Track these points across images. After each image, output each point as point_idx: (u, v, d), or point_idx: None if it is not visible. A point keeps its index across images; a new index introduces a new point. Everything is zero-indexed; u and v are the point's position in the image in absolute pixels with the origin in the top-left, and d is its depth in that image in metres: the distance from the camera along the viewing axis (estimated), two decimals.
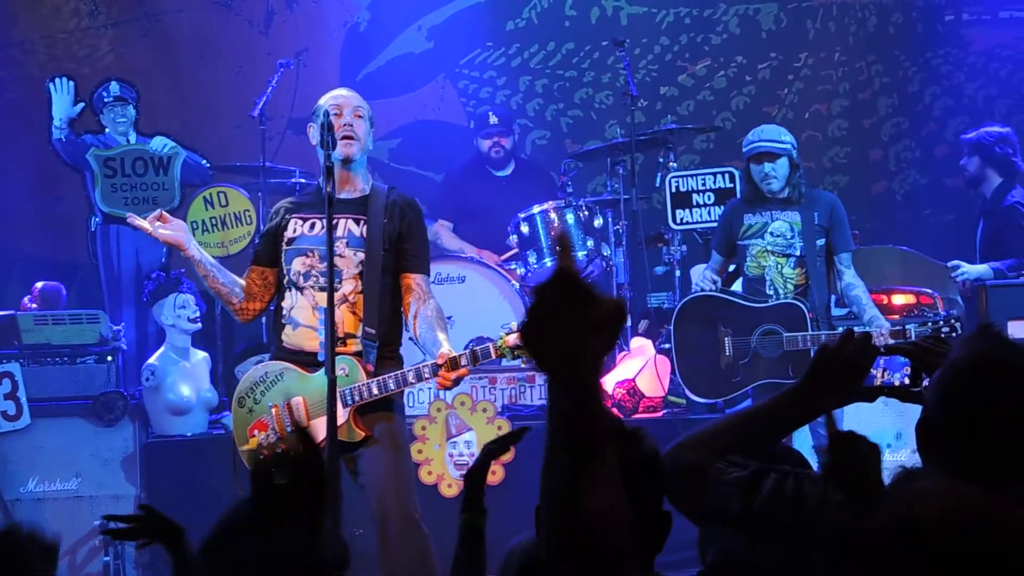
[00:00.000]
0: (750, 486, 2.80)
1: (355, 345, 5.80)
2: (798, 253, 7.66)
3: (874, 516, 2.12)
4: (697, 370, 7.94)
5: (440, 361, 5.58)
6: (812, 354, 7.36)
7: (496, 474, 8.06)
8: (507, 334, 5.53)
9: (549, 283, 2.03)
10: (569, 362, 2.03)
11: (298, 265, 5.92)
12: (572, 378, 2.04)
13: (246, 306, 6.05)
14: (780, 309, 7.67)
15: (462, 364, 5.59)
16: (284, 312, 5.95)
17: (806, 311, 7.56)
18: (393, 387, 5.71)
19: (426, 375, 5.66)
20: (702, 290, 7.99)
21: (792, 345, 7.52)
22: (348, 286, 5.85)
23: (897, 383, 2.99)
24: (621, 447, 2.51)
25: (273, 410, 5.89)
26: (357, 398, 5.70)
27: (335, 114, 5.88)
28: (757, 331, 7.71)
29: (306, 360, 5.86)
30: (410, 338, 6.03)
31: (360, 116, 5.96)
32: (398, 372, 5.73)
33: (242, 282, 6.04)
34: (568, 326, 2.02)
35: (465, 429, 8.18)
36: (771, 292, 7.69)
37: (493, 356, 5.59)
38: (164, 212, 5.95)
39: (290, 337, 5.92)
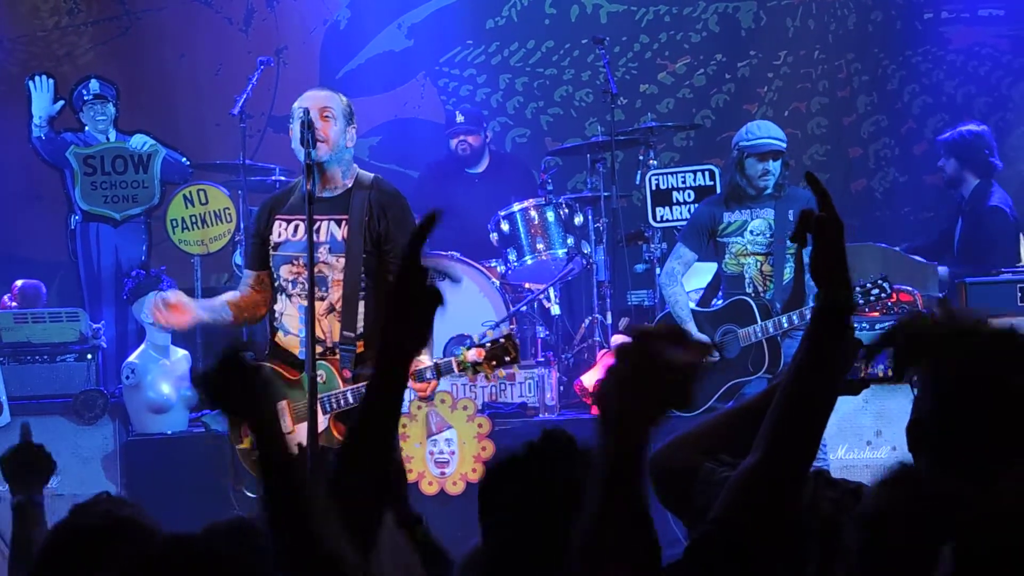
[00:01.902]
0: None
1: None
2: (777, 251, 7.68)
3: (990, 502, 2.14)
4: None
5: (426, 365, 5.58)
6: (766, 345, 7.44)
7: (477, 471, 8.07)
8: (467, 349, 5.55)
9: (630, 348, 2.21)
10: (633, 426, 2.22)
11: (285, 272, 5.89)
12: (630, 438, 2.22)
13: (249, 316, 6.01)
14: (729, 308, 7.70)
15: (427, 377, 5.59)
16: (276, 315, 5.95)
17: (753, 304, 7.58)
18: None
19: None
20: (679, 318, 7.88)
21: (747, 340, 7.56)
22: (334, 294, 5.81)
23: (880, 375, 2.98)
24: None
25: None
26: (335, 405, 5.68)
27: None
28: (717, 334, 7.74)
29: (294, 363, 5.85)
30: None
31: (328, 116, 5.86)
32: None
33: (229, 304, 5.97)
34: (642, 395, 2.21)
35: (445, 427, 8.18)
36: (750, 290, 7.70)
37: (456, 371, 5.60)
38: (161, 301, 5.90)
39: (281, 341, 5.93)
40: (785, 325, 7.42)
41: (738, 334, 7.61)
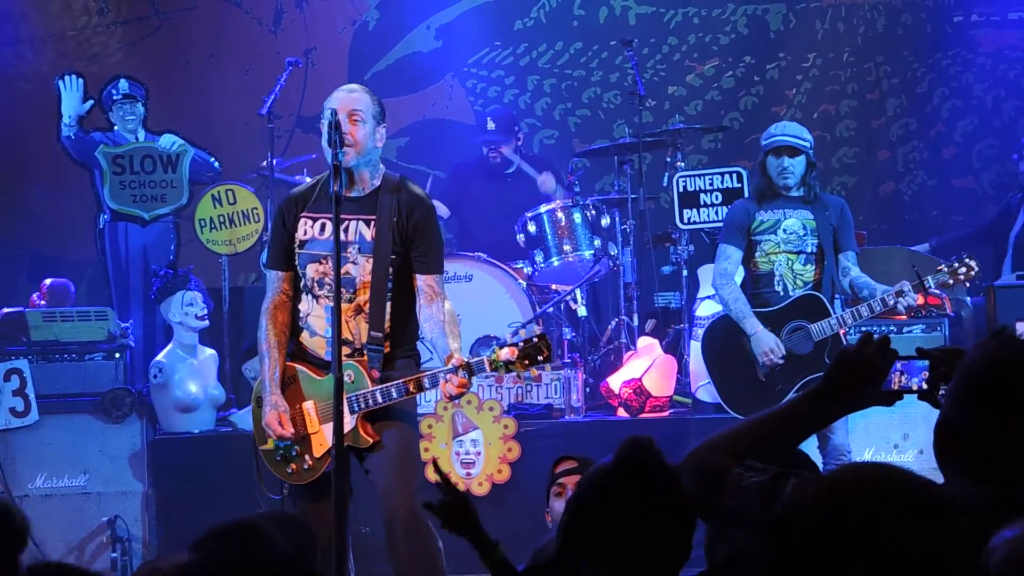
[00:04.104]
0: (770, 490, 2.80)
1: None
2: (809, 250, 7.63)
3: None
4: (738, 389, 7.72)
5: (457, 363, 5.49)
6: (843, 338, 7.36)
7: (502, 472, 8.08)
8: (500, 348, 5.49)
9: (856, 348, 2.87)
10: (850, 405, 2.95)
11: (312, 271, 5.82)
12: (838, 411, 2.96)
13: (284, 319, 5.91)
14: (799, 303, 7.58)
15: (460, 375, 5.51)
16: (301, 315, 5.86)
17: (824, 298, 7.50)
18: (395, 395, 5.64)
19: (426, 385, 5.61)
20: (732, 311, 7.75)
21: (821, 334, 7.44)
22: (363, 295, 5.77)
23: (915, 387, 2.97)
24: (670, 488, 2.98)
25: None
26: (363, 405, 5.64)
27: None
28: (784, 331, 7.59)
29: (320, 363, 5.82)
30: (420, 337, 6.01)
31: (357, 120, 5.76)
32: (399, 381, 5.64)
33: (278, 334, 5.86)
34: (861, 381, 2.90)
35: (471, 428, 8.19)
36: (779, 288, 7.63)
37: (488, 370, 5.53)
38: (278, 416, 5.83)
39: (307, 341, 5.87)
40: (865, 314, 7.32)
41: (811, 330, 7.50)
